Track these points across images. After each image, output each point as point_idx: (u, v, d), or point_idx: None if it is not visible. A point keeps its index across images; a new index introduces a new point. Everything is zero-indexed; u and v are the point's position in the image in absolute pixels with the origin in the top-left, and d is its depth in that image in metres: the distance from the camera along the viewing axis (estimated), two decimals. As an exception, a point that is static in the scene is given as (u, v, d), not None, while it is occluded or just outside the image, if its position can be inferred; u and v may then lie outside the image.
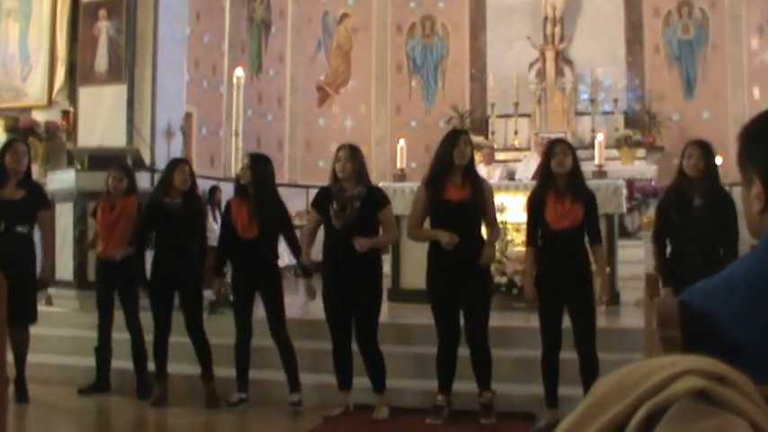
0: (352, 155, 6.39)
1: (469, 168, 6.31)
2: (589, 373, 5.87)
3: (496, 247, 7.27)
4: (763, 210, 1.55)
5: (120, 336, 7.42)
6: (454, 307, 6.21)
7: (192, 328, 7.07)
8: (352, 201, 6.33)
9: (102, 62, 10.06)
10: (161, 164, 9.68)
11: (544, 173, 6.18)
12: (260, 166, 6.88)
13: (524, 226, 9.15)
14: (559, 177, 6.05)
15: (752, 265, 1.55)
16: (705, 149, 6.04)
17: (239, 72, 9.93)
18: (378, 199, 6.45)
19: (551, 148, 6.15)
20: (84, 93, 10.21)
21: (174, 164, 7.28)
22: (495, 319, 6.95)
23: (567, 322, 6.14)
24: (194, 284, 7.14)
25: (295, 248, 7.03)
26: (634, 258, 10.66)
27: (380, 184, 10.18)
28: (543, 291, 6.10)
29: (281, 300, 6.85)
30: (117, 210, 7.40)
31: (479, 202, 6.21)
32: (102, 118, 9.99)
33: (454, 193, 6.18)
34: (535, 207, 6.15)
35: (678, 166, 6.15)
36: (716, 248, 5.81)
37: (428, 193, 6.28)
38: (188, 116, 12.48)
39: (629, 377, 1.03)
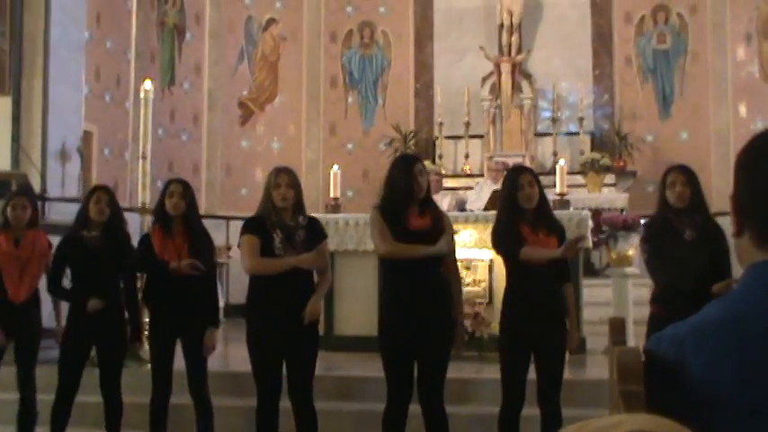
0: (294, 181, 6.38)
1: (428, 197, 6.32)
2: (553, 430, 5.85)
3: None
4: (737, 235, 1.57)
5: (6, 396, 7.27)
6: (410, 356, 6.15)
7: (108, 384, 6.92)
8: (297, 231, 6.30)
9: (-19, 71, 9.94)
10: (53, 191, 9.54)
11: (509, 206, 6.19)
12: (192, 195, 6.90)
13: (475, 263, 9.28)
14: (528, 212, 6.10)
15: (727, 309, 1.54)
16: (689, 175, 6.12)
17: (148, 85, 9.84)
18: (318, 230, 6.44)
19: (515, 180, 6.17)
20: (-40, 107, 10.06)
21: (90, 193, 7.23)
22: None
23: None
24: (117, 332, 7.02)
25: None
26: (602, 299, 10.65)
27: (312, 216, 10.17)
28: (512, 336, 6.10)
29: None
30: (27, 245, 7.24)
31: (441, 233, 6.20)
32: (-19, 137, 9.85)
33: (416, 220, 6.16)
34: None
35: (659, 198, 6.21)
36: (709, 286, 5.83)
37: (386, 221, 6.23)
38: (87, 135, 12.34)
39: (571, 440, 1.00)
